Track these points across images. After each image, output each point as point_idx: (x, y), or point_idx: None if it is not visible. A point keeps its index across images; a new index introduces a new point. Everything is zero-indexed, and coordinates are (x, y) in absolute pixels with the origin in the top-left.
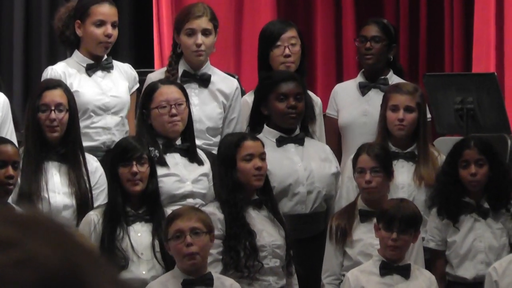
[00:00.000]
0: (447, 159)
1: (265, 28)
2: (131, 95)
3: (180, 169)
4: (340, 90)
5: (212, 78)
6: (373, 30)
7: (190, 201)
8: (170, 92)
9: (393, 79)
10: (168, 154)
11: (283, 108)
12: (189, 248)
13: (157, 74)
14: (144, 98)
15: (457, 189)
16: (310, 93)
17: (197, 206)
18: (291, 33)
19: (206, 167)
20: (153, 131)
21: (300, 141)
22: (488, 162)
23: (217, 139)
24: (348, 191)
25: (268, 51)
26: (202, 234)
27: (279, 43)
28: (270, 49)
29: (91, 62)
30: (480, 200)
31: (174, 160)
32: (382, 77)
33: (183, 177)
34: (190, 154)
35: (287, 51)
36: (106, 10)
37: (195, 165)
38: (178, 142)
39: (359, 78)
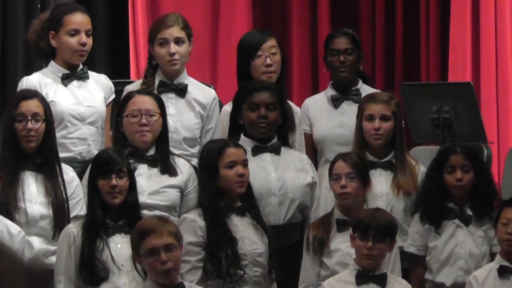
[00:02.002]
0: (432, 165)
1: (244, 39)
2: (107, 105)
3: (140, 180)
4: (311, 104)
5: (189, 88)
6: (344, 42)
7: (145, 212)
8: (143, 102)
9: (364, 88)
10: (137, 168)
11: (254, 117)
12: (165, 265)
13: (134, 85)
14: (119, 106)
15: (441, 194)
16: (290, 102)
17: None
18: (271, 42)
19: (180, 179)
20: (125, 141)
21: (276, 150)
22: (473, 169)
23: (195, 149)
24: (326, 201)
25: (248, 62)
26: (174, 249)
27: (260, 53)
28: (251, 59)
29: (67, 72)
30: (463, 206)
31: (138, 170)
32: (354, 88)
33: (140, 189)
34: (161, 165)
35: (268, 61)
36: (79, 19)
37: (165, 176)
38: (152, 151)
39: (330, 91)
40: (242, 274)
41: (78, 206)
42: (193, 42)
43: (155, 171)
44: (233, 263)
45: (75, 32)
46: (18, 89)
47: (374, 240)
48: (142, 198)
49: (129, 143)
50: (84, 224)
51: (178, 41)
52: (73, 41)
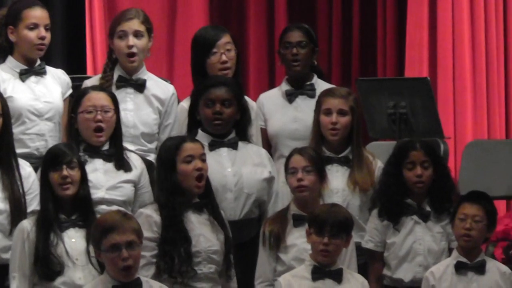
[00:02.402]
0: (390, 160)
1: (198, 35)
2: (64, 100)
3: (97, 175)
4: (265, 99)
5: (148, 84)
6: (297, 35)
7: (103, 207)
8: (98, 98)
9: (319, 83)
10: (89, 159)
11: (209, 114)
12: (126, 262)
13: (92, 80)
14: (74, 102)
15: (400, 190)
16: (246, 97)
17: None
18: (226, 39)
19: (134, 174)
20: (79, 137)
21: (233, 145)
22: (433, 165)
23: (153, 145)
24: (282, 196)
25: (203, 58)
26: (136, 246)
27: (215, 50)
28: (206, 57)
29: (25, 67)
30: (422, 202)
31: (94, 165)
32: (308, 82)
33: (98, 184)
34: (115, 160)
35: (224, 58)
36: (38, 14)
37: (120, 172)
38: (105, 147)
39: (284, 86)
40: (194, 274)
41: (35, 201)
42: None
43: (110, 166)
44: (185, 262)
45: (34, 26)
46: None
47: (330, 235)
48: (101, 193)
49: (82, 138)
50: (37, 219)
51: (137, 34)
52: (32, 35)
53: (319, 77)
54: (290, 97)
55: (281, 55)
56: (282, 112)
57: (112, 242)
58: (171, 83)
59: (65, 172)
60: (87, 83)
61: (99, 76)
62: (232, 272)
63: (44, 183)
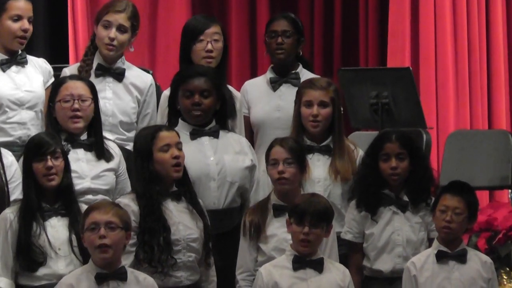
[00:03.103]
0: (367, 151)
1: (188, 22)
2: (46, 89)
3: (80, 165)
4: (250, 87)
5: (126, 73)
6: (283, 24)
7: (89, 197)
8: (75, 87)
9: (304, 73)
10: (71, 149)
11: (188, 104)
12: (102, 240)
13: (72, 68)
14: (51, 91)
15: (377, 181)
16: (231, 88)
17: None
18: (215, 29)
19: (114, 162)
20: (58, 126)
21: (214, 134)
22: (409, 156)
23: (131, 134)
24: (263, 185)
25: (190, 46)
26: (117, 228)
27: (202, 37)
28: (193, 43)
29: (5, 57)
30: (399, 193)
31: (76, 155)
32: (293, 71)
33: (82, 173)
34: (96, 150)
35: (209, 46)
36: (22, 5)
37: (101, 161)
38: (84, 137)
39: (269, 74)
40: (174, 262)
41: (17, 190)
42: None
43: (91, 155)
44: (165, 251)
45: (18, 18)
46: None
47: (310, 225)
48: (86, 183)
49: (61, 127)
50: (20, 208)
51: (121, 28)
52: (15, 26)
53: (304, 66)
54: (274, 84)
55: (267, 44)
56: (265, 101)
57: (91, 221)
58: (153, 74)
59: (49, 162)
60: (66, 71)
61: (78, 64)
62: (211, 260)
63: (27, 172)
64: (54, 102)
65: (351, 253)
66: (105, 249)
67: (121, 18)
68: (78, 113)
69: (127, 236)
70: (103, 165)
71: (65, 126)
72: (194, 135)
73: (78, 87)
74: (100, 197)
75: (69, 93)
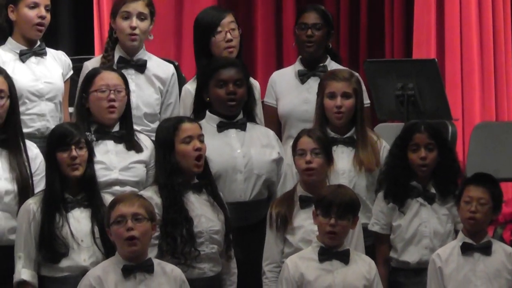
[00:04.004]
0: (396, 142)
1: (201, 16)
2: (65, 82)
3: (109, 156)
4: (278, 78)
5: (148, 64)
6: (313, 17)
7: (117, 188)
8: (111, 77)
9: (332, 65)
10: (100, 141)
11: (223, 94)
12: (130, 232)
13: (93, 61)
14: (84, 82)
15: (405, 172)
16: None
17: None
18: (229, 18)
19: (145, 154)
20: (90, 117)
21: (241, 126)
22: (437, 147)
23: (155, 125)
24: (288, 178)
25: (208, 39)
26: (143, 220)
27: (219, 29)
28: (211, 36)
29: (24, 48)
30: (427, 185)
31: (106, 147)
32: (321, 64)
33: (110, 165)
34: (126, 141)
35: (229, 36)
36: None
37: (131, 152)
38: (116, 128)
39: (298, 66)
40: (197, 254)
41: (42, 182)
42: (157, 19)
43: (121, 147)
44: (188, 242)
45: (35, 5)
46: None
47: (336, 217)
48: (114, 175)
49: (94, 119)
50: (43, 199)
51: (140, 16)
52: (32, 13)
53: (333, 59)
54: (302, 77)
55: (296, 35)
56: (293, 93)
57: (118, 213)
58: (178, 66)
59: (74, 152)
60: (88, 64)
61: (99, 56)
62: (232, 253)
63: (51, 162)
64: (88, 93)
65: (378, 245)
66: (134, 242)
67: (139, 6)
68: (114, 103)
69: (153, 227)
70: (133, 157)
71: (100, 116)
72: (221, 128)
73: (114, 78)
74: (128, 188)
75: (105, 83)
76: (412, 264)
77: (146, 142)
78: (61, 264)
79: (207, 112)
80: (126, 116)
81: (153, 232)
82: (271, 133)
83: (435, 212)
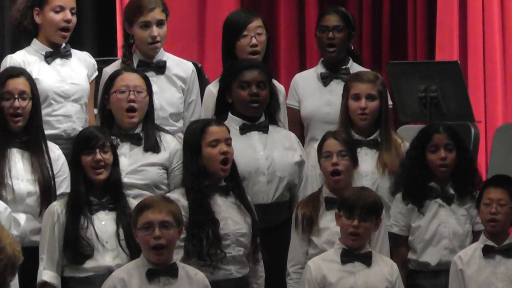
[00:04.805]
0: (413, 144)
1: (230, 18)
2: (90, 83)
3: (121, 159)
4: (301, 80)
5: (168, 64)
6: (334, 19)
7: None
8: (131, 78)
9: (354, 67)
10: (121, 143)
11: (246, 96)
12: (157, 240)
13: (112, 66)
14: (106, 83)
15: (423, 173)
16: (274, 81)
17: (130, 196)
18: (257, 22)
19: (163, 156)
20: (112, 118)
21: (264, 129)
22: (456, 148)
23: (180, 123)
24: (312, 181)
25: (233, 41)
26: (171, 227)
27: (245, 32)
28: (237, 39)
29: (50, 50)
30: (445, 185)
31: (119, 150)
32: (343, 66)
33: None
34: (145, 143)
35: (254, 41)
36: None
37: (148, 154)
38: (138, 130)
39: (320, 68)
40: (223, 256)
41: (64, 184)
42: (180, 21)
43: (137, 149)
44: (214, 244)
45: (60, 9)
46: (1, 68)
47: (359, 218)
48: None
49: (115, 120)
50: (68, 201)
51: (159, 23)
52: (58, 17)
53: (355, 60)
54: (325, 80)
55: (317, 38)
56: (316, 95)
57: (145, 220)
58: (201, 67)
59: (98, 156)
60: (107, 70)
61: (119, 61)
62: (259, 256)
63: (76, 165)
64: (109, 94)
65: (396, 247)
66: (160, 250)
67: (157, 13)
68: (134, 105)
69: (179, 231)
70: (147, 159)
71: (120, 119)
72: (244, 130)
73: (134, 79)
74: (135, 191)
75: (124, 84)
76: (432, 265)
77: (171, 143)
78: (85, 265)
79: (229, 114)
80: (147, 117)
81: (178, 236)
82: (292, 135)
83: (453, 212)
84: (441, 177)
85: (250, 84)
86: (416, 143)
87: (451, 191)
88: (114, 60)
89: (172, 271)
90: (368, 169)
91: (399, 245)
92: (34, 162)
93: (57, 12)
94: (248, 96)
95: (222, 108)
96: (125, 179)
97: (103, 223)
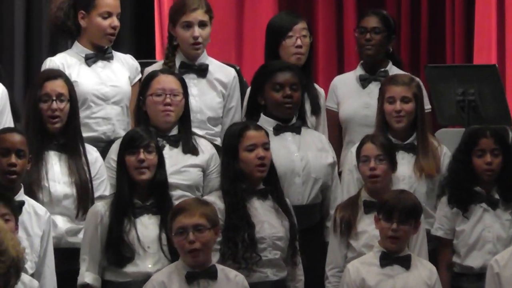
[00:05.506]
0: (460, 147)
1: (274, 20)
2: (133, 85)
3: None
4: (340, 82)
5: (210, 68)
6: (373, 21)
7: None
8: (167, 81)
9: (393, 70)
10: (166, 146)
11: (279, 97)
12: (192, 245)
13: (154, 66)
14: (142, 85)
15: (469, 177)
16: (315, 85)
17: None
18: (302, 25)
19: (201, 158)
20: (148, 120)
21: (297, 130)
22: (502, 153)
23: (219, 128)
24: (348, 184)
25: (278, 42)
26: (205, 230)
27: (291, 33)
28: (282, 40)
29: (91, 52)
30: (490, 190)
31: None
32: (382, 69)
33: None
34: (183, 145)
35: (299, 42)
36: (111, 2)
37: (187, 156)
38: (174, 132)
39: (359, 71)
40: (259, 259)
41: (102, 186)
42: (219, 23)
43: (177, 151)
44: (249, 248)
45: (108, 15)
46: (41, 70)
47: (398, 222)
48: None
49: (152, 122)
50: (112, 203)
51: (202, 24)
52: (105, 23)
53: (395, 63)
54: (363, 82)
55: (356, 39)
56: (354, 98)
57: (178, 225)
58: (239, 70)
59: (141, 155)
60: (148, 70)
61: (161, 62)
62: (298, 259)
63: (121, 166)
64: (145, 96)
65: (441, 250)
66: (196, 253)
67: (199, 14)
68: (170, 108)
69: (216, 231)
70: (188, 160)
71: (156, 120)
72: (278, 131)
73: (170, 81)
74: (179, 192)
75: (161, 87)
76: (475, 269)
77: (206, 146)
78: (126, 269)
79: (262, 115)
80: (184, 119)
81: (216, 238)
82: (323, 137)
83: (498, 217)
84: (487, 181)
85: (284, 86)
86: (463, 146)
87: (496, 196)
88: (152, 63)
89: (211, 274)
90: (405, 173)
91: (444, 248)
92: (71, 164)
93: (104, 18)
94: (282, 98)
95: (254, 109)
96: (170, 180)
97: (146, 227)
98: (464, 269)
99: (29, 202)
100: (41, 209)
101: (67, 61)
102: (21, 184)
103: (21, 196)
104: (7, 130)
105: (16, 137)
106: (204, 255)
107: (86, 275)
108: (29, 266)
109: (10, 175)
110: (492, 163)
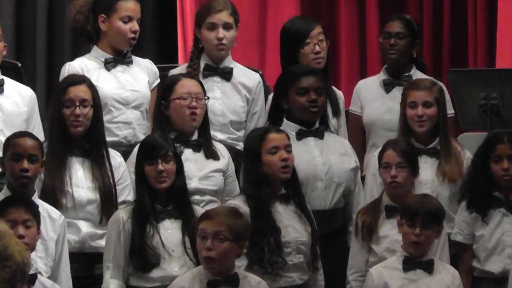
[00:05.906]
0: (478, 152)
1: (289, 26)
2: (152, 90)
3: (188, 165)
4: (363, 87)
5: (234, 72)
6: (397, 26)
7: (197, 198)
8: (192, 85)
9: (417, 75)
10: (183, 151)
11: (304, 102)
12: (208, 252)
13: (179, 69)
14: (164, 89)
15: (488, 182)
16: (334, 88)
17: (204, 202)
18: (318, 29)
19: (222, 162)
20: (168, 125)
21: (320, 135)
22: None
23: (241, 133)
24: (371, 188)
25: (296, 49)
26: (225, 241)
27: (308, 40)
28: (300, 47)
29: (110, 56)
30: (509, 195)
31: (184, 155)
32: (406, 74)
33: (190, 174)
34: (205, 150)
35: (317, 48)
36: (132, 6)
37: (210, 161)
38: (195, 136)
39: (383, 75)
40: (285, 263)
41: (125, 191)
42: (241, 27)
43: (199, 155)
44: (275, 252)
45: (129, 20)
46: (60, 75)
47: (421, 226)
48: (194, 183)
49: (172, 127)
50: (133, 210)
51: (226, 26)
52: (126, 28)
53: (419, 68)
54: (387, 86)
55: (380, 44)
56: (378, 102)
57: (201, 229)
58: (262, 74)
59: (160, 166)
60: (174, 72)
61: (185, 65)
62: (319, 264)
63: (140, 174)
64: (168, 100)
65: (462, 254)
66: (210, 261)
67: (224, 16)
68: (196, 111)
69: (241, 245)
70: (211, 165)
71: (181, 124)
72: (300, 135)
73: (194, 85)
74: (207, 198)
75: (186, 91)
76: (495, 273)
77: (223, 151)
78: (152, 274)
79: (285, 120)
80: (204, 124)
81: (240, 250)
82: (346, 142)
83: None
84: (505, 186)
85: (309, 90)
86: (481, 152)
87: None
88: (174, 67)
89: (233, 282)
90: (428, 177)
91: (464, 253)
92: (95, 170)
93: (125, 22)
94: (307, 103)
95: (277, 113)
96: (199, 185)
97: (169, 232)
98: (484, 273)
99: (43, 206)
100: (55, 212)
101: (86, 66)
102: (35, 189)
103: (35, 200)
104: (19, 134)
105: (28, 142)
106: (219, 266)
107: (111, 282)
108: (44, 270)
109: (22, 179)
110: (509, 169)
